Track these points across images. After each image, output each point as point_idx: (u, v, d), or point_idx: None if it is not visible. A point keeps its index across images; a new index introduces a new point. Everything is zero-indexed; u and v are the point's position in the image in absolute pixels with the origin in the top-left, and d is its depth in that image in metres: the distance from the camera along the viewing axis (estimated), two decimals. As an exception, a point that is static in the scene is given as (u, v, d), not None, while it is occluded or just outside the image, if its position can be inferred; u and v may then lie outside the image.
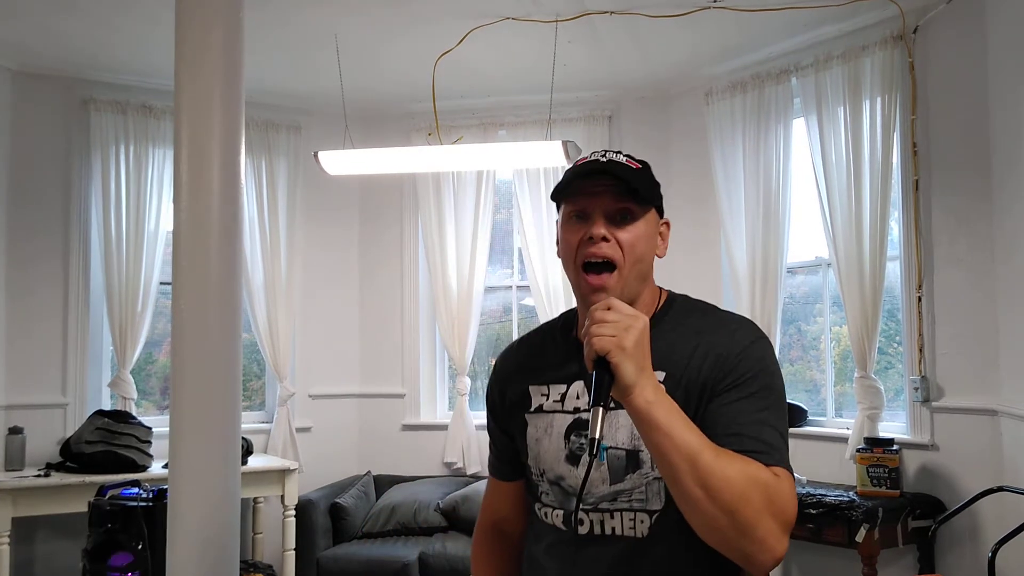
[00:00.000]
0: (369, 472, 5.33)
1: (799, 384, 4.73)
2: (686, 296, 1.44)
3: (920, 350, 3.82)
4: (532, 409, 1.42)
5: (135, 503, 3.49)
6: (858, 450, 3.77)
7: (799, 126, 4.36)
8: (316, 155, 4.14)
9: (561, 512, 1.38)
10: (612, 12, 3.94)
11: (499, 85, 5.01)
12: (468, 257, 5.22)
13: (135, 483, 3.70)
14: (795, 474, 4.13)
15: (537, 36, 4.19)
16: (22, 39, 4.30)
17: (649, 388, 1.15)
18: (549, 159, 4.11)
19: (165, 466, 2.64)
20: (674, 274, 4.98)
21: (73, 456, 4.30)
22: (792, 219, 4.39)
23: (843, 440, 4.03)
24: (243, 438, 3.49)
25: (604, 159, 1.35)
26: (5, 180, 4.58)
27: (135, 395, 4.73)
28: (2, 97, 4.58)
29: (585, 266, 1.32)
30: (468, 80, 4.85)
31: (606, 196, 1.32)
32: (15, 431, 4.38)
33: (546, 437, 1.39)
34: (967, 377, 3.68)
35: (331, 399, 5.40)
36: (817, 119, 4.15)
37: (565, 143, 3.88)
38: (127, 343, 4.68)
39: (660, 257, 1.40)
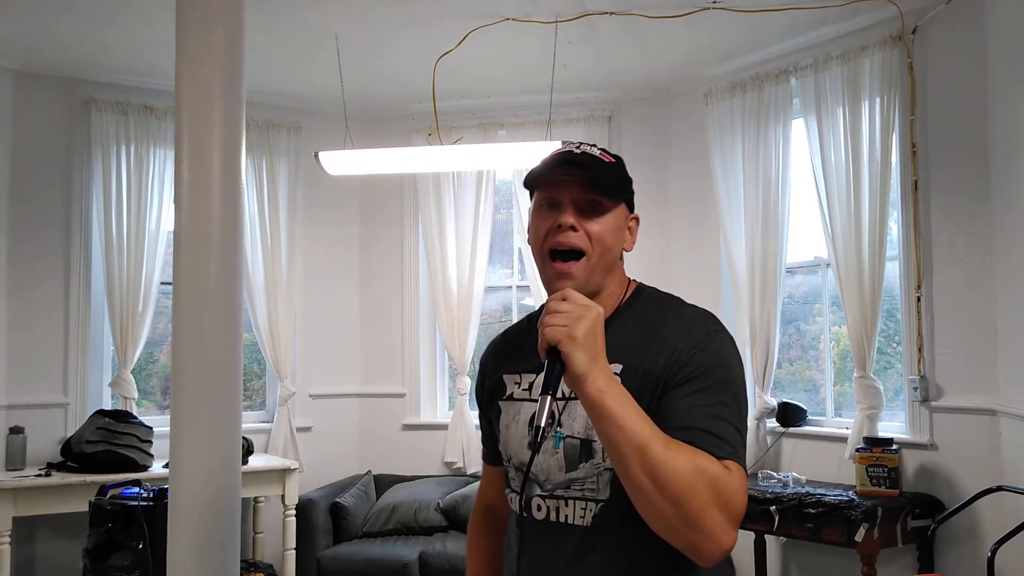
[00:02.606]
0: (369, 472, 5.34)
1: (798, 384, 4.74)
2: (654, 289, 1.46)
3: (919, 350, 3.82)
4: (505, 397, 1.46)
5: (136, 503, 3.50)
6: (857, 450, 3.78)
7: (798, 126, 4.37)
8: (316, 155, 4.15)
9: (522, 497, 1.42)
10: (612, 12, 3.95)
11: (499, 85, 5.02)
12: (468, 257, 5.22)
13: (136, 483, 3.70)
14: (794, 473, 4.14)
15: (537, 36, 4.20)
16: (23, 39, 4.31)
17: (601, 378, 1.16)
18: (549, 159, 4.11)
19: (166, 466, 2.65)
20: (674, 274, 5.02)
21: (74, 456, 4.30)
22: (791, 219, 4.39)
23: (842, 440, 4.04)
24: (243, 438, 3.49)
25: (578, 151, 1.38)
26: (6, 180, 4.59)
27: (136, 395, 4.74)
28: (3, 97, 4.59)
29: (552, 253, 1.35)
30: (468, 80, 4.86)
31: (577, 186, 1.35)
32: (16, 431, 4.38)
33: (514, 424, 1.43)
34: (966, 377, 3.68)
35: (331, 399, 5.41)
36: (816, 119, 4.16)
37: (565, 144, 3.88)
38: (128, 343, 4.69)
39: (628, 251, 1.43)
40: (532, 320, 1.52)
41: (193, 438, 2.46)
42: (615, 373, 1.28)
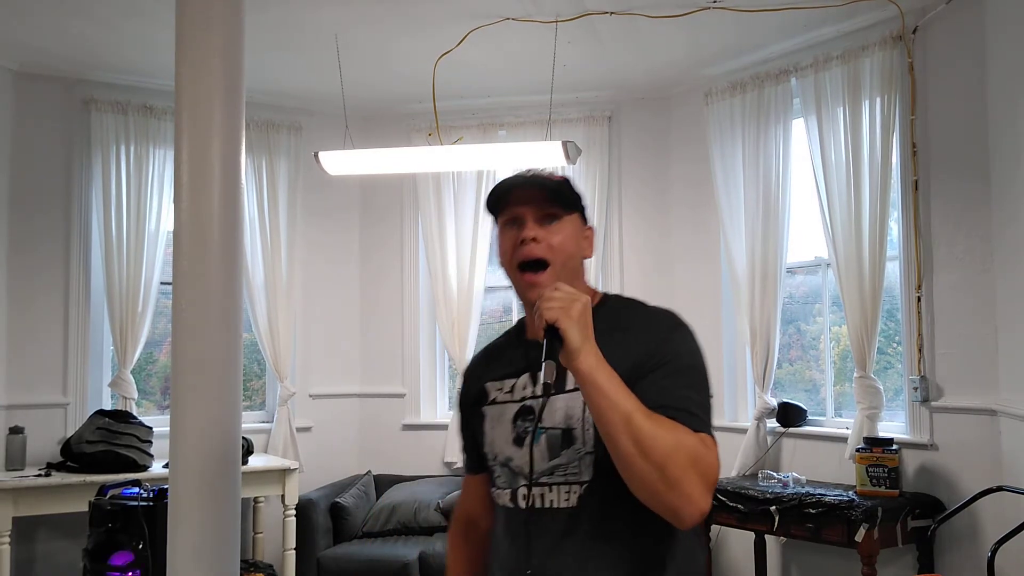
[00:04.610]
0: (369, 472, 5.34)
1: (799, 384, 4.74)
2: (618, 295, 1.59)
3: (919, 350, 3.82)
4: (488, 402, 1.57)
5: (136, 503, 3.50)
6: (857, 450, 3.78)
7: (799, 126, 4.36)
8: (316, 155, 4.15)
9: (509, 491, 1.50)
10: (612, 12, 3.95)
11: (499, 85, 5.01)
12: (468, 257, 5.22)
13: (136, 483, 3.70)
14: (794, 473, 4.14)
15: (537, 36, 4.19)
16: (23, 39, 4.31)
17: (592, 355, 1.30)
18: (549, 159, 4.12)
19: (165, 466, 2.65)
20: (674, 274, 5.02)
21: (74, 456, 4.30)
22: (791, 219, 4.39)
23: (842, 440, 4.04)
24: (243, 438, 3.49)
25: (528, 174, 1.52)
26: (6, 180, 4.59)
27: (136, 395, 4.73)
28: (3, 97, 4.58)
29: (521, 266, 1.47)
30: (468, 80, 4.86)
31: (533, 203, 1.49)
32: (16, 431, 4.38)
33: (499, 424, 1.53)
34: (966, 377, 3.68)
35: (331, 399, 5.41)
36: (817, 119, 4.15)
37: (565, 143, 3.88)
38: (128, 343, 4.69)
39: (588, 258, 1.56)
40: (509, 334, 1.66)
41: (193, 438, 2.46)
42: None
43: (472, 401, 1.61)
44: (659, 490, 1.27)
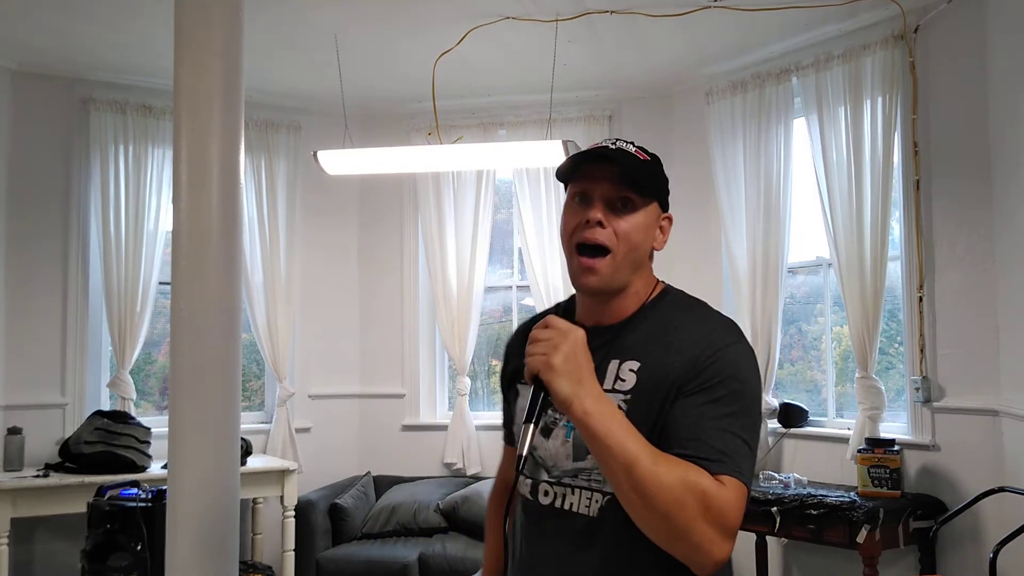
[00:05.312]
0: (369, 472, 5.32)
1: (800, 384, 4.73)
2: (682, 292, 1.46)
3: (921, 350, 3.81)
4: (523, 381, 1.48)
5: (134, 503, 3.49)
6: (859, 450, 3.77)
7: (800, 126, 4.35)
8: (316, 155, 4.14)
9: (529, 482, 1.44)
10: (612, 12, 3.94)
11: (499, 85, 5.01)
12: (468, 257, 5.21)
13: (134, 483, 3.70)
14: (795, 474, 4.11)
15: (537, 36, 4.19)
16: (22, 39, 4.30)
17: (588, 400, 1.20)
18: (549, 159, 4.11)
19: (164, 467, 2.64)
20: (674, 274, 4.98)
21: (72, 456, 4.29)
22: (793, 219, 4.38)
23: (844, 440, 4.03)
24: (242, 438, 3.47)
25: (614, 147, 1.38)
26: (4, 180, 4.58)
27: (134, 395, 4.72)
28: (2, 96, 4.57)
29: (579, 247, 1.36)
30: (468, 80, 4.85)
31: (608, 182, 1.35)
32: (14, 431, 4.37)
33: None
34: (968, 377, 3.67)
35: (331, 399, 5.40)
36: (818, 119, 4.14)
37: (565, 143, 3.87)
38: (126, 343, 4.67)
39: (658, 250, 1.43)
40: (558, 311, 1.52)
41: (192, 439, 2.45)
42: (631, 371, 1.33)
43: (511, 375, 1.54)
44: (666, 538, 1.21)
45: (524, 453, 1.22)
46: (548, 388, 1.21)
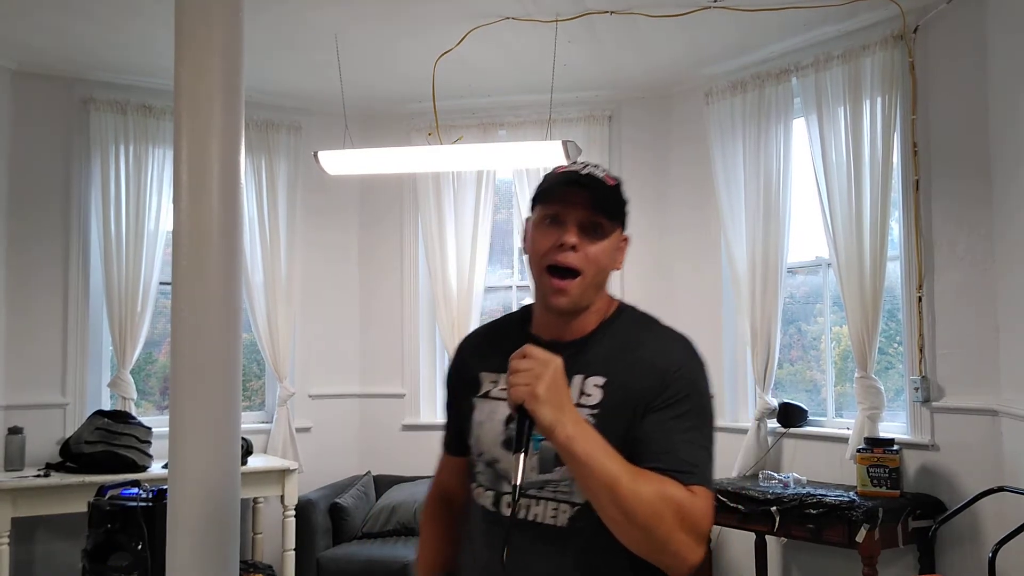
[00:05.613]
0: (369, 472, 5.33)
1: (799, 384, 4.73)
2: (634, 307, 1.53)
3: (920, 350, 3.81)
4: (480, 394, 1.52)
5: (135, 503, 3.50)
6: (858, 450, 3.77)
7: (799, 126, 4.35)
8: (316, 155, 4.14)
9: (491, 493, 1.48)
10: (612, 12, 3.94)
11: (499, 85, 5.01)
12: (468, 257, 5.21)
13: (135, 483, 3.70)
14: (794, 473, 4.13)
15: (537, 36, 4.19)
16: (22, 39, 4.30)
17: (570, 424, 1.27)
18: (549, 159, 4.11)
19: (165, 466, 2.64)
20: (674, 274, 5.01)
21: (73, 456, 4.29)
22: (792, 219, 4.38)
23: (843, 440, 4.03)
24: (243, 438, 3.48)
25: (584, 172, 1.44)
26: (5, 180, 4.58)
27: (135, 395, 4.73)
28: (2, 97, 4.57)
29: (551, 269, 1.41)
30: (468, 80, 4.85)
31: (582, 208, 1.41)
32: (15, 431, 4.37)
33: (488, 421, 1.49)
34: (967, 377, 3.67)
35: (331, 399, 5.40)
36: (817, 119, 4.15)
37: (565, 143, 3.88)
38: (127, 343, 4.68)
39: (617, 270, 1.49)
40: (512, 321, 1.59)
41: (192, 439, 2.45)
42: (596, 386, 1.40)
43: (464, 385, 1.56)
44: (646, 550, 1.29)
45: (519, 483, 1.27)
46: (533, 417, 1.26)
